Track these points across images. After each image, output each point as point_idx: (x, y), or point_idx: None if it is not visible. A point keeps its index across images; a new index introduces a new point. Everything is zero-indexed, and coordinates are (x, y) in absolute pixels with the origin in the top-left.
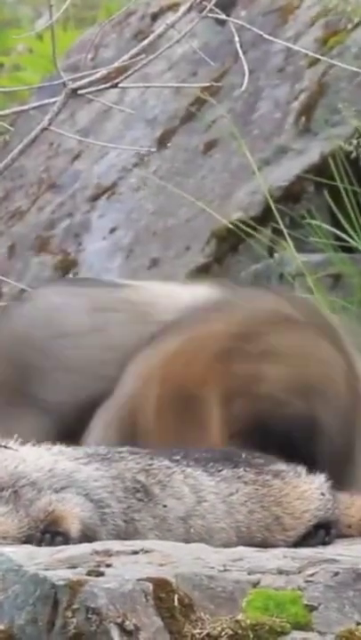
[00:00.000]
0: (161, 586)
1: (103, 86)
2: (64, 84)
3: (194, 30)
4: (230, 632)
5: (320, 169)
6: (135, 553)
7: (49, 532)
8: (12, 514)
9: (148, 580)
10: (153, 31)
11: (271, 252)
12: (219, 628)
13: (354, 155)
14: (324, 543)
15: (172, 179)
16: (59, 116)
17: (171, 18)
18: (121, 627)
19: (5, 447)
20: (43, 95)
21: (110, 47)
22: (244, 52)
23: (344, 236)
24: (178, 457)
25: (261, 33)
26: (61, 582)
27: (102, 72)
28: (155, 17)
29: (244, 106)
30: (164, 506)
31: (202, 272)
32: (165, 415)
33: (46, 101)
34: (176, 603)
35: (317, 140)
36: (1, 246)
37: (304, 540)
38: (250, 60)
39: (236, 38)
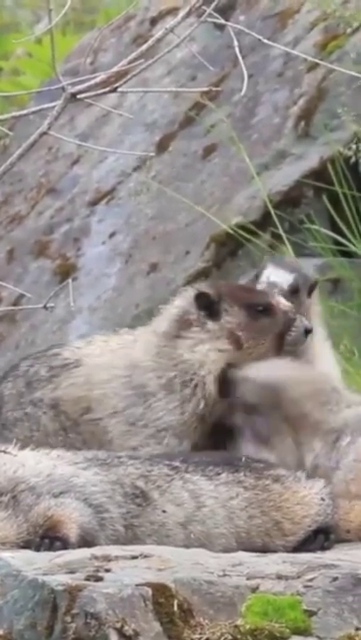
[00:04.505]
0: (160, 591)
1: (102, 91)
2: (63, 89)
3: (193, 35)
4: (230, 637)
5: (319, 174)
6: (134, 558)
7: (48, 537)
8: (10, 519)
9: (148, 584)
10: (152, 36)
11: None
12: (218, 634)
13: (353, 160)
14: (324, 548)
15: (171, 183)
16: (58, 120)
17: (170, 22)
18: (120, 632)
19: (4, 452)
20: (42, 99)
21: (109, 51)
22: (244, 57)
23: (343, 240)
24: (177, 462)
25: (260, 38)
26: (60, 587)
27: (101, 76)
28: (154, 21)
29: (243, 110)
30: (164, 511)
31: (201, 276)
32: None
33: (45, 106)
34: (175, 608)
35: (317, 145)
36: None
37: (303, 545)
38: (249, 64)
39: (236, 43)
